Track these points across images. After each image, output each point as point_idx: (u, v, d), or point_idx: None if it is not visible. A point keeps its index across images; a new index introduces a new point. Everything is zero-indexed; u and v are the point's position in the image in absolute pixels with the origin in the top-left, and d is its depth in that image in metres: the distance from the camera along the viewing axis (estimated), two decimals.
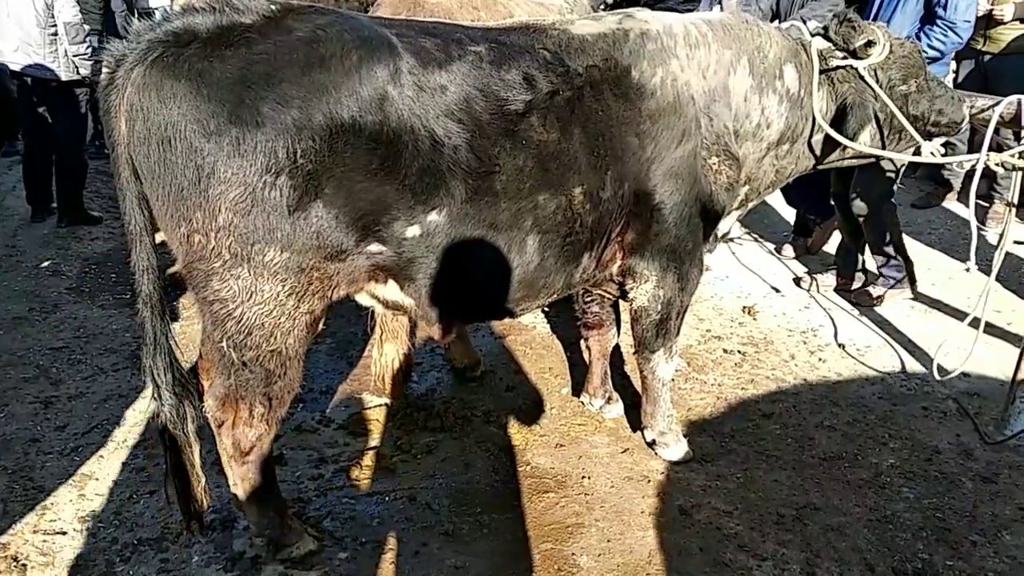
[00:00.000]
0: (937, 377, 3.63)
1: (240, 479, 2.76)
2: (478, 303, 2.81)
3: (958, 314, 4.77)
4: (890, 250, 4.86)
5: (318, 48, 2.31)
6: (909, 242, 5.64)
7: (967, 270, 3.38)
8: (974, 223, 3.35)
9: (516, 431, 3.71)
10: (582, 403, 3.87)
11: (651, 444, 3.51)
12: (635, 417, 3.80)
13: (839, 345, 4.46)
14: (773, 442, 3.62)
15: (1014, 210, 3.39)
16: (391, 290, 2.68)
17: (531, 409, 3.90)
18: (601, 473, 3.42)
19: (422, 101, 2.43)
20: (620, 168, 2.79)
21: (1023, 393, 3.51)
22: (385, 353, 3.77)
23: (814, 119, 3.14)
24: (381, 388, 3.87)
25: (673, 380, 4.14)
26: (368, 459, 3.50)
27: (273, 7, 2.38)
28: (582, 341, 3.91)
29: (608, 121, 2.73)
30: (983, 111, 3.38)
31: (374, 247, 2.54)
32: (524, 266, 2.72)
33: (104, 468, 3.48)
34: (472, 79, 2.52)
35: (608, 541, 3.02)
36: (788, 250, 5.73)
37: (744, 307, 4.90)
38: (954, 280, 5.22)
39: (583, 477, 3.39)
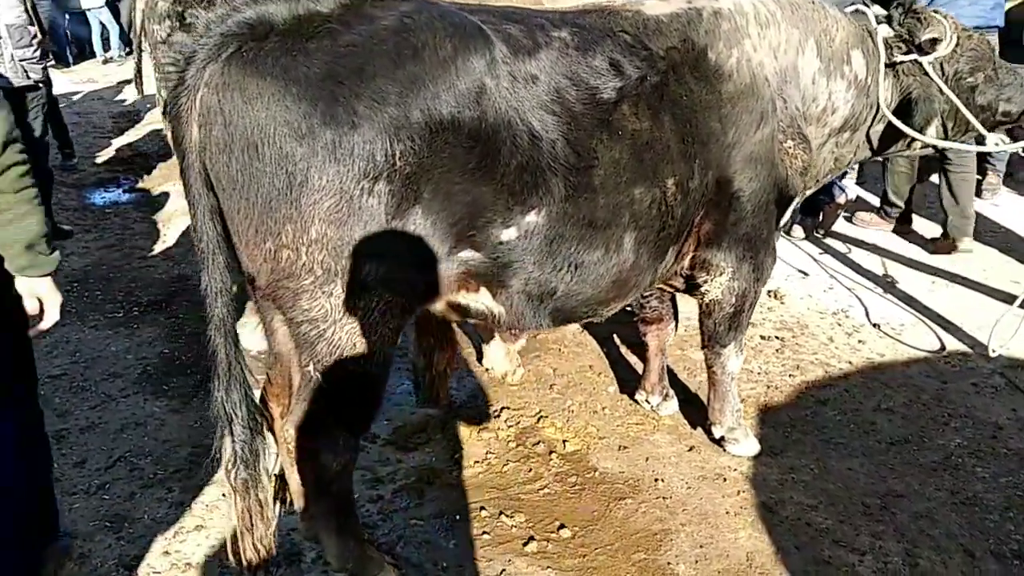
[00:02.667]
0: (992, 354, 3.63)
1: (322, 511, 2.55)
2: (571, 306, 2.64)
3: (977, 286, 4.83)
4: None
5: (409, 38, 2.10)
6: (923, 223, 5.71)
7: None
8: None
9: (574, 435, 3.56)
10: (636, 401, 3.74)
11: (719, 440, 3.40)
12: (690, 412, 3.71)
13: (874, 325, 4.43)
14: (836, 429, 3.56)
15: None
16: (483, 298, 2.49)
17: (582, 411, 3.76)
18: (673, 474, 3.30)
19: (517, 93, 2.25)
20: (706, 155, 2.66)
21: None
22: (433, 361, 3.56)
23: (878, 109, 3.05)
24: (428, 397, 3.67)
25: None
26: (426, 475, 3.30)
27: None
28: (641, 336, 3.75)
29: (692, 106, 2.59)
30: None
31: (466, 253, 2.35)
32: (620, 264, 2.57)
33: (139, 506, 3.19)
34: (561, 67, 2.35)
35: (701, 547, 2.90)
36: (798, 231, 5.71)
37: (769, 291, 4.84)
38: (965, 254, 5.27)
39: (656, 479, 3.26)
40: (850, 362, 4.09)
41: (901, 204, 5.55)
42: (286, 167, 2.01)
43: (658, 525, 3.01)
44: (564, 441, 3.51)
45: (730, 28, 2.70)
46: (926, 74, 3.04)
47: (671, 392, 3.70)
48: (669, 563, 2.83)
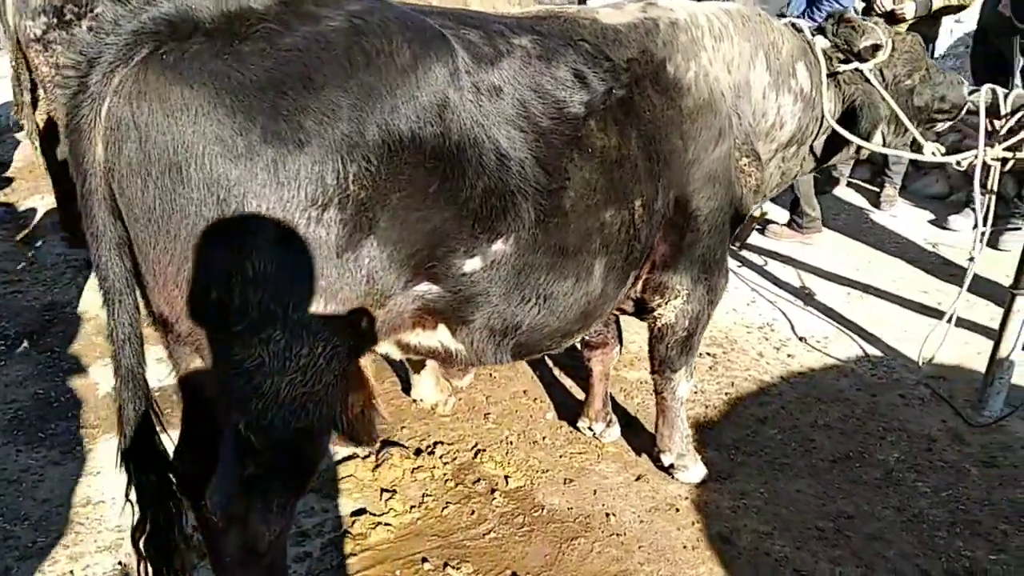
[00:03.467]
0: (922, 364, 3.69)
1: None
2: (535, 340, 2.41)
3: (890, 297, 4.96)
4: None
5: (362, 42, 1.81)
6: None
7: (970, 259, 3.39)
8: (979, 218, 3.35)
9: (515, 469, 3.33)
10: (578, 428, 3.55)
11: (668, 468, 3.26)
12: (631, 437, 3.56)
13: (800, 339, 4.45)
14: (778, 449, 3.50)
15: (993, 199, 3.45)
16: (440, 336, 2.22)
17: (521, 442, 3.54)
18: (624, 507, 3.13)
19: (483, 107, 2.00)
20: (668, 174, 2.51)
21: (1000, 375, 3.62)
22: (348, 404, 3.23)
23: (822, 120, 3.01)
24: (351, 436, 3.33)
25: (653, 393, 3.97)
26: (358, 525, 2.98)
27: None
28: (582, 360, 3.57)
29: (655, 122, 2.43)
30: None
31: (423, 286, 2.08)
32: (589, 294, 2.37)
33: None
34: (525, 78, 2.13)
35: None
36: None
37: None
38: (873, 264, 5.43)
39: (607, 514, 3.08)
40: (782, 377, 4.08)
41: (812, 213, 5.66)
42: (217, 192, 1.68)
43: (615, 566, 2.83)
44: (506, 477, 3.28)
45: (687, 40, 2.57)
46: (867, 81, 3.01)
47: (614, 418, 3.54)
48: None
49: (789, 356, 4.28)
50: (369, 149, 1.79)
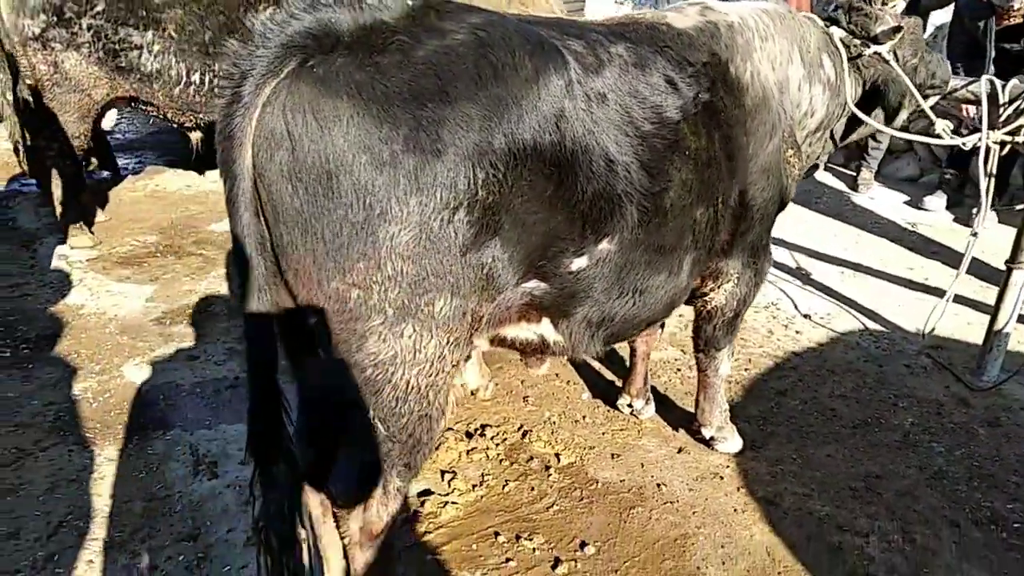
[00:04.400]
0: (923, 337, 3.98)
1: (365, 565, 2.34)
2: (625, 330, 2.58)
3: (879, 274, 5.28)
4: None
5: (488, 55, 1.95)
6: (806, 213, 6.14)
7: (974, 235, 3.66)
8: (985, 199, 3.61)
9: (564, 447, 3.52)
10: (616, 407, 3.75)
11: (709, 440, 3.48)
12: (664, 413, 3.77)
13: (804, 316, 4.72)
14: (802, 418, 3.76)
15: (992, 183, 3.73)
16: (543, 328, 2.38)
17: (564, 421, 3.72)
18: (672, 478, 3.34)
19: (592, 115, 2.15)
20: (738, 169, 2.69)
21: (998, 343, 3.93)
22: None
23: (844, 105, 3.23)
24: None
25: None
26: (428, 505, 3.13)
27: (409, 2, 1.97)
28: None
29: (728, 121, 2.61)
30: (956, 90, 3.69)
31: (532, 283, 2.23)
32: (676, 286, 2.55)
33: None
34: (625, 85, 2.28)
35: (722, 547, 2.96)
36: None
37: None
38: (859, 244, 5.75)
39: (658, 484, 3.29)
40: (794, 352, 4.34)
41: None
42: (365, 199, 1.81)
43: (675, 531, 3.04)
44: (557, 455, 3.46)
45: (743, 42, 2.75)
46: (886, 63, 3.21)
47: (651, 396, 3.74)
48: (698, 567, 2.86)
49: (797, 332, 4.55)
50: (496, 157, 1.93)
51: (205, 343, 4.38)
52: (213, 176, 7.27)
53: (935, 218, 6.11)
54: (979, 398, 3.89)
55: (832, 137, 3.40)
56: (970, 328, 4.55)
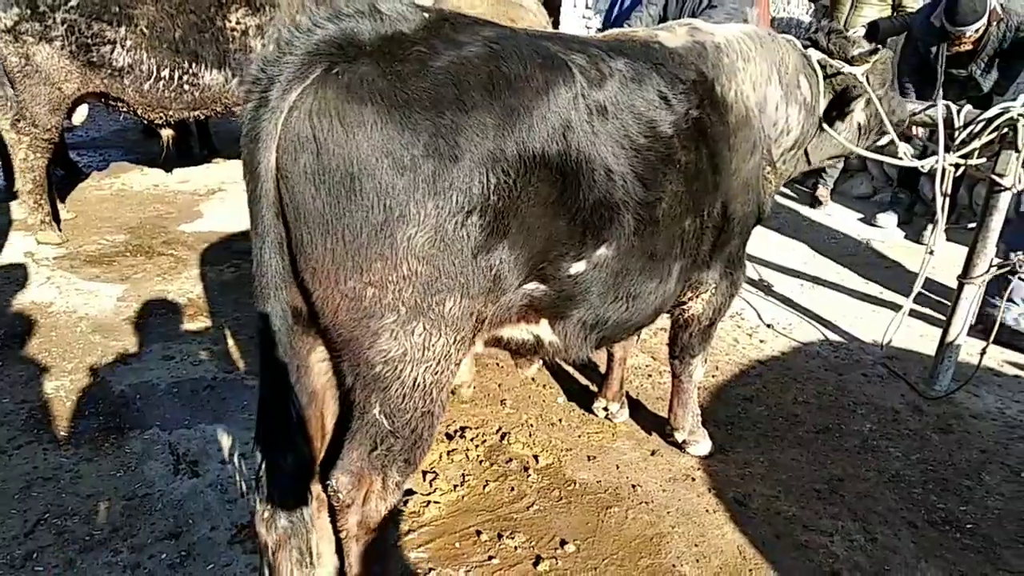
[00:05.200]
0: (881, 348, 4.19)
1: (360, 558, 2.40)
2: (615, 333, 2.69)
3: (837, 287, 5.52)
4: None
5: (501, 67, 2.05)
6: (766, 228, 6.37)
7: (930, 253, 3.88)
8: (941, 217, 3.83)
9: (542, 449, 3.61)
10: (591, 410, 3.86)
11: (681, 443, 3.62)
12: (636, 417, 3.90)
13: (767, 325, 4.92)
14: (768, 423, 3.93)
15: (946, 202, 3.96)
16: (541, 329, 2.48)
17: (540, 424, 3.82)
18: (646, 479, 3.46)
19: (594, 127, 2.26)
20: (722, 183, 2.82)
21: (949, 354, 4.16)
22: None
23: (819, 125, 3.39)
24: None
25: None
26: (411, 504, 3.20)
27: (425, 14, 2.06)
28: None
29: (714, 137, 2.74)
30: (915, 114, 3.92)
31: (532, 285, 2.34)
32: (665, 293, 2.67)
33: (84, 574, 2.79)
34: (624, 100, 2.39)
35: (696, 546, 3.09)
36: None
37: None
38: (816, 258, 6.00)
39: (633, 486, 3.41)
40: (758, 360, 4.52)
41: None
42: (385, 201, 1.89)
43: (651, 530, 3.16)
44: (535, 456, 3.55)
45: (728, 62, 2.89)
46: (860, 84, 3.36)
47: (626, 400, 3.87)
48: (674, 565, 2.98)
49: (761, 341, 4.74)
50: (508, 163, 2.03)
51: (180, 344, 4.36)
52: (181, 176, 7.21)
53: (887, 235, 6.41)
54: (932, 406, 4.11)
55: (806, 154, 3.56)
56: (922, 340, 4.80)
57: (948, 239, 6.30)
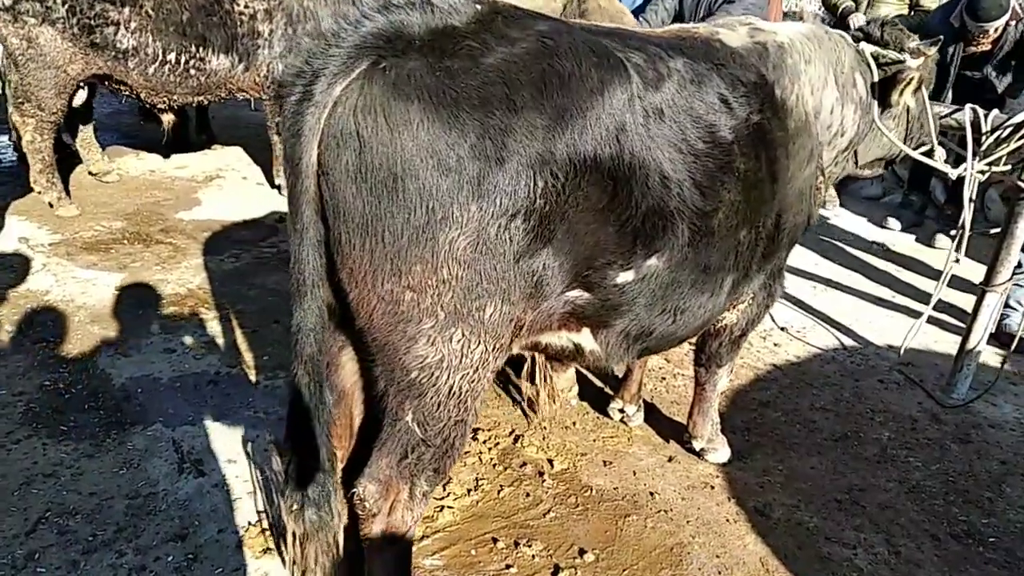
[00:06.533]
0: (899, 355, 4.14)
1: (382, 567, 2.31)
2: (659, 345, 2.60)
3: (849, 290, 5.46)
4: None
5: (555, 65, 1.94)
6: None
7: (956, 261, 3.80)
8: (967, 221, 3.75)
9: (556, 453, 3.53)
10: (607, 413, 3.78)
11: (700, 451, 3.54)
12: (651, 421, 3.83)
13: (781, 329, 4.85)
14: (785, 430, 3.86)
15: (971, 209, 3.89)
16: (582, 338, 2.38)
17: (555, 427, 3.73)
18: (664, 486, 3.39)
19: (650, 130, 2.16)
20: (779, 192, 2.71)
21: (969, 362, 4.11)
22: None
23: (872, 123, 3.24)
24: None
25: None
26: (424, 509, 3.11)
27: (477, 6, 1.95)
28: None
29: (775, 143, 2.61)
30: (940, 117, 3.84)
31: (575, 293, 2.24)
32: (715, 307, 2.58)
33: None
34: (682, 102, 2.27)
35: (717, 557, 3.02)
36: None
37: None
38: (827, 260, 5.94)
39: (651, 493, 3.33)
40: (774, 364, 4.45)
41: None
42: (428, 203, 1.79)
43: (671, 539, 3.09)
44: (550, 460, 3.47)
45: (791, 64, 2.74)
46: (911, 79, 3.21)
47: (642, 403, 3.79)
48: None
49: (775, 345, 4.67)
50: (557, 166, 1.93)
51: (181, 336, 4.25)
52: (178, 161, 7.06)
53: (897, 237, 6.37)
54: (950, 415, 4.06)
55: (855, 156, 3.44)
56: (936, 345, 4.75)
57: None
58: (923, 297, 5.37)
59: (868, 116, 3.15)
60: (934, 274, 5.80)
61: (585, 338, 2.40)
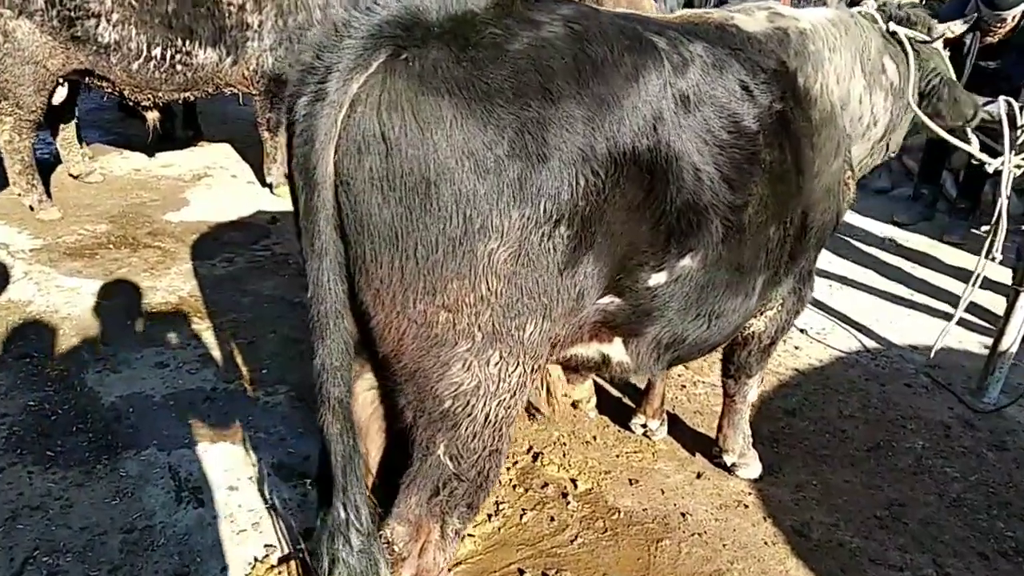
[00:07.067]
0: (928, 359, 3.96)
1: None
2: (690, 353, 2.39)
3: (868, 288, 5.29)
4: None
5: (586, 50, 1.73)
6: None
7: (994, 259, 3.61)
8: (1003, 216, 3.56)
9: (578, 471, 3.32)
10: (628, 427, 3.58)
11: (730, 467, 3.34)
12: (675, 434, 3.63)
13: (801, 331, 4.66)
14: (815, 440, 3.67)
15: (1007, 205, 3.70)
16: (613, 349, 2.17)
17: (574, 443, 3.52)
18: (696, 506, 3.18)
19: (680, 119, 1.95)
20: (805, 187, 2.51)
21: (1001, 365, 3.93)
22: None
23: (907, 108, 3.04)
24: None
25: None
26: None
27: None
28: None
29: (797, 134, 2.43)
30: None
31: (607, 299, 2.02)
32: (747, 310, 2.37)
33: None
34: (706, 89, 2.08)
35: None
36: None
37: None
38: (841, 257, 5.76)
39: (682, 514, 3.13)
40: (796, 369, 4.26)
41: None
42: (465, 210, 1.57)
43: (708, 566, 2.88)
44: (573, 480, 3.26)
45: (814, 51, 2.57)
46: (942, 59, 3.06)
47: (666, 416, 3.58)
48: None
49: (796, 348, 4.48)
50: (598, 163, 1.72)
51: (174, 348, 4.00)
52: (164, 159, 6.78)
53: (909, 232, 6.20)
54: (983, 420, 3.88)
55: (894, 141, 3.25)
56: (961, 346, 4.58)
57: (964, 239, 6.12)
58: (940, 294, 5.22)
59: (902, 100, 2.96)
60: (948, 270, 5.66)
61: (616, 348, 2.19)
